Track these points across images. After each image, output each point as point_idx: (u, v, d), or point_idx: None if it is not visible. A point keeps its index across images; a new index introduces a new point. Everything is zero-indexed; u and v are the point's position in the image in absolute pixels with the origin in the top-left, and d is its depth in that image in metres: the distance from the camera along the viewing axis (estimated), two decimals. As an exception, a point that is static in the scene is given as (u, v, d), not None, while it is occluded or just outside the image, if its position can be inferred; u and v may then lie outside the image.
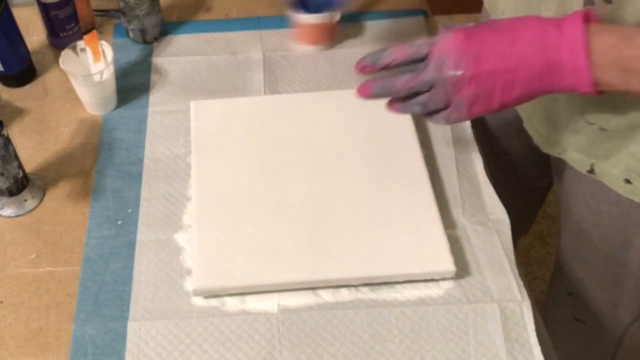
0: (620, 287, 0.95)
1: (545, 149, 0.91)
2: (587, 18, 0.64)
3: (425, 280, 0.81)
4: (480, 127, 1.01)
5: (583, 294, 1.00)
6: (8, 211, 0.89)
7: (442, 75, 0.68)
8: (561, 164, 0.92)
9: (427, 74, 0.69)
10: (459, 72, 0.67)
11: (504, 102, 0.69)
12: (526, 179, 1.14)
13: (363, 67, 0.75)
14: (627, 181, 0.81)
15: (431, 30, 1.10)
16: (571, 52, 0.64)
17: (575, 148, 0.85)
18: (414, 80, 0.71)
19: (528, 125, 0.93)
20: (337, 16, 0.74)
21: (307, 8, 0.78)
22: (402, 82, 0.72)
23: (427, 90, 0.71)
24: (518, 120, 0.96)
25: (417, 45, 0.69)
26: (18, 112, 1.00)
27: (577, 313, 1.05)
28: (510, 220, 0.87)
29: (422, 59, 0.70)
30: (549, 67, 0.65)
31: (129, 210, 0.88)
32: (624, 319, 0.99)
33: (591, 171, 0.85)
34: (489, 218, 0.88)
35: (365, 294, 0.81)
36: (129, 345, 0.77)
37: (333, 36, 1.06)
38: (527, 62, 0.66)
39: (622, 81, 0.64)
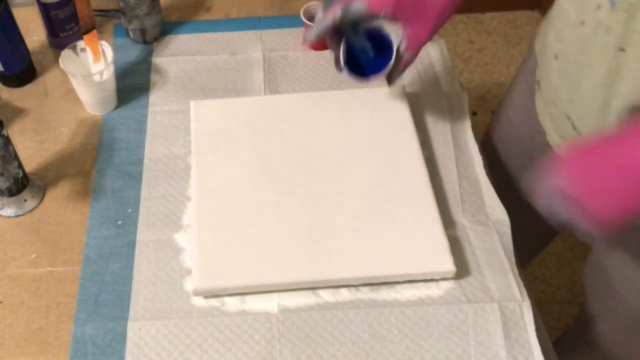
0: None
1: None
2: None
3: (425, 280, 0.81)
4: (500, 175, 1.01)
5: (604, 348, 0.98)
6: (8, 211, 0.89)
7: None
8: None
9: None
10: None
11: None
12: (539, 227, 1.13)
13: None
14: None
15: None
16: None
17: None
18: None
19: None
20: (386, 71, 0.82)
21: (359, 68, 0.84)
22: None
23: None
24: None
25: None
26: (18, 112, 1.00)
27: None
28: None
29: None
30: None
31: (129, 210, 0.88)
32: None
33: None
34: (489, 218, 0.88)
35: (365, 294, 0.81)
36: (129, 345, 0.77)
37: None
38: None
39: None
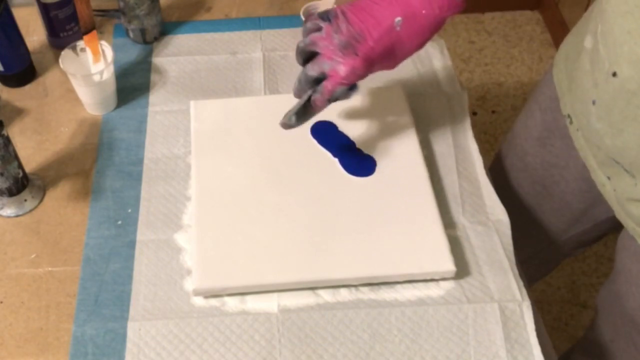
0: None
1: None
2: None
3: (425, 280, 0.81)
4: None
5: None
6: (8, 211, 0.89)
7: None
8: (628, 239, 0.85)
9: None
10: None
11: None
12: (546, 254, 1.13)
13: None
14: None
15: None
16: None
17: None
18: None
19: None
20: None
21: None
22: None
23: None
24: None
25: None
26: (18, 112, 1.00)
27: None
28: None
29: None
30: None
31: (129, 210, 0.88)
32: None
33: None
34: (489, 218, 0.88)
35: (365, 294, 0.81)
36: (129, 345, 0.77)
37: None
38: None
39: None
